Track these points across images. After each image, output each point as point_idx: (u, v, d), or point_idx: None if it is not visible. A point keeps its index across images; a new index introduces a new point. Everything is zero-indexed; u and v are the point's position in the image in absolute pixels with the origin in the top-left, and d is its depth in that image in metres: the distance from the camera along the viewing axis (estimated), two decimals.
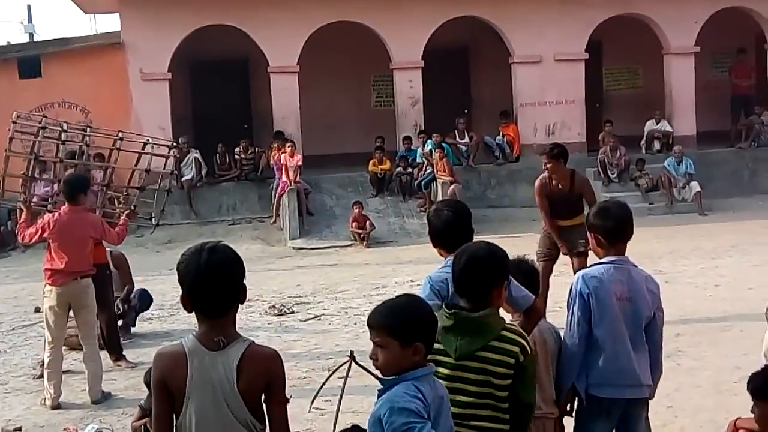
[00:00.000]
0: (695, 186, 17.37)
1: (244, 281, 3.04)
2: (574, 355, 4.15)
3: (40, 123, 9.09)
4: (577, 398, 4.24)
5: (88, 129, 9.60)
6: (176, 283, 9.87)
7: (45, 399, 7.23)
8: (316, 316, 10.07)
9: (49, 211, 8.01)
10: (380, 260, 13.93)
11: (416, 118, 18.63)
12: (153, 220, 9.55)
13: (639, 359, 4.16)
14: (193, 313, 3.04)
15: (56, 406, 7.16)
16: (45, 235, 7.41)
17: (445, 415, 3.01)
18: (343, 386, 6.40)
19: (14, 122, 8.85)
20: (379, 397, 3.02)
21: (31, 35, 33.32)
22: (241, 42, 18.02)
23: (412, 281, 11.49)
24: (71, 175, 8.08)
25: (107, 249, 8.81)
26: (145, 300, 9.63)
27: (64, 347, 7.68)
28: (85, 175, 8.49)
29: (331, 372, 6.93)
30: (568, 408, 4.29)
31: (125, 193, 9.42)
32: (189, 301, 3.00)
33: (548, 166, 8.72)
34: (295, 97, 18.10)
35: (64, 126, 9.30)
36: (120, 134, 9.52)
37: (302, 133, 18.10)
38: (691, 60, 19.40)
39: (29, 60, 17.76)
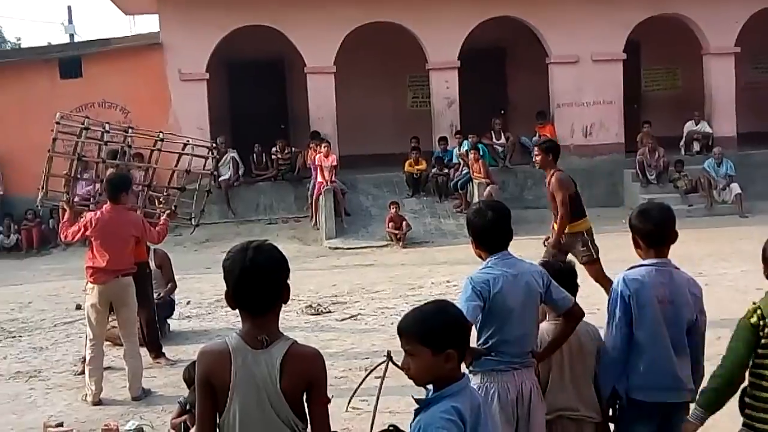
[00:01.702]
0: (735, 188, 17.16)
1: (288, 281, 3.05)
2: (615, 358, 4.12)
3: (82, 123, 9.19)
4: (618, 401, 4.21)
5: (130, 129, 9.67)
6: (214, 282, 10.04)
7: (86, 395, 7.34)
8: (353, 316, 10.10)
9: (91, 210, 8.10)
10: (416, 261, 13.93)
11: (452, 119, 18.61)
12: (193, 220, 9.61)
13: (681, 363, 4.12)
14: (233, 311, 3.05)
15: (97, 402, 7.26)
16: (87, 233, 7.51)
17: (483, 423, 2.97)
18: (380, 386, 6.40)
19: (58, 123, 8.94)
20: (415, 416, 2.97)
21: (71, 36, 33.76)
22: (277, 42, 18.13)
23: (448, 282, 11.49)
24: (114, 175, 8.17)
25: (152, 247, 8.92)
26: (168, 306, 9.64)
27: (105, 342, 7.78)
28: (127, 174, 8.58)
29: (368, 372, 6.95)
30: (610, 413, 4.25)
31: (165, 194, 9.50)
32: (233, 298, 3.01)
33: (537, 159, 8.68)
34: (331, 97, 18.17)
35: (107, 127, 9.40)
36: (161, 135, 9.60)
37: (338, 133, 18.17)
38: (731, 60, 19.17)
39: (70, 60, 18.03)
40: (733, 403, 4.71)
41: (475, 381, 3.90)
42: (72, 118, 10.19)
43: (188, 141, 10.23)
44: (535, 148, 8.82)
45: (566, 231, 8.60)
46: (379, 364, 6.68)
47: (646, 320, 4.07)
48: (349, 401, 6.63)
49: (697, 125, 19.08)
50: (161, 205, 9.04)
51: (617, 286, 4.13)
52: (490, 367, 3.96)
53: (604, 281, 8.53)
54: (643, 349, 4.08)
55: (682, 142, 19.07)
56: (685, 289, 4.15)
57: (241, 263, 2.96)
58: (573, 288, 4.33)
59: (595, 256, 8.68)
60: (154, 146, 9.66)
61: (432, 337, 2.91)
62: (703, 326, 4.25)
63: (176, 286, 9.79)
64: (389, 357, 6.43)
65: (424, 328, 2.93)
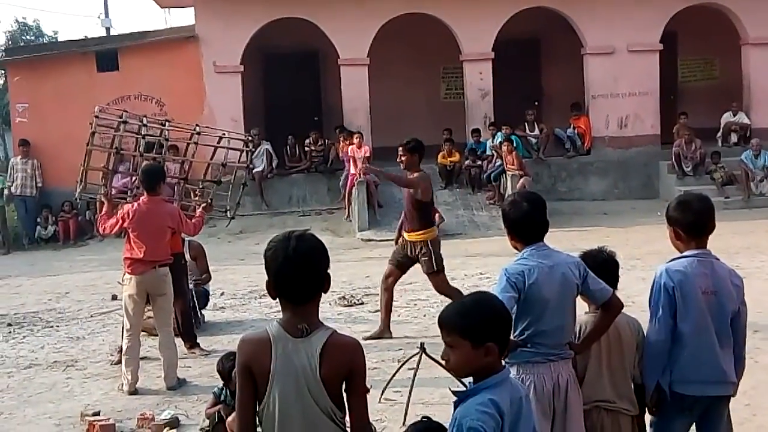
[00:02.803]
0: None
1: (329, 271, 3.07)
2: (660, 351, 4.06)
3: (120, 117, 9.26)
4: (661, 395, 4.16)
5: (167, 123, 9.72)
6: (248, 273, 10.11)
7: (122, 384, 7.42)
8: None
9: (128, 203, 8.17)
10: (449, 253, 13.75)
11: (486, 111, 18.53)
12: (228, 213, 9.66)
13: (725, 355, 4.08)
14: (270, 302, 3.08)
15: (133, 391, 7.33)
16: (125, 225, 7.58)
17: (525, 417, 2.95)
18: (414, 377, 6.43)
19: (96, 116, 9.00)
20: (455, 407, 2.96)
21: (107, 30, 33.97)
22: (311, 35, 18.16)
23: (481, 274, 11.47)
24: (149, 166, 8.23)
25: (186, 239, 8.99)
26: (202, 297, 9.70)
27: (141, 332, 7.86)
28: (161, 165, 8.64)
29: (401, 363, 6.97)
30: (653, 407, 4.20)
31: (201, 186, 9.55)
32: (275, 287, 3.03)
33: (402, 159, 8.43)
34: (364, 89, 18.17)
35: (144, 120, 9.47)
36: (197, 128, 9.65)
37: (372, 125, 18.17)
38: None
39: (107, 54, 18.20)
40: None
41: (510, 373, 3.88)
42: (110, 111, 10.28)
43: (224, 134, 10.27)
44: (400, 148, 8.59)
45: (411, 239, 8.47)
46: (413, 356, 6.73)
47: (690, 312, 4.02)
48: (383, 392, 6.66)
49: (734, 116, 18.82)
50: (197, 198, 9.09)
51: (660, 278, 4.08)
52: (526, 359, 3.94)
53: (449, 291, 8.38)
54: (687, 342, 4.03)
55: (719, 134, 18.83)
56: (728, 279, 4.12)
57: (284, 252, 2.98)
58: (615, 279, 4.29)
59: (436, 268, 8.45)
60: (190, 139, 9.72)
61: (472, 330, 2.90)
62: (745, 317, 4.21)
63: (211, 278, 9.86)
64: (422, 349, 6.48)
65: (465, 320, 2.92)
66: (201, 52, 17.96)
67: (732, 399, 4.37)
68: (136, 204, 7.72)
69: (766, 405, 6.20)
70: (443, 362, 3.04)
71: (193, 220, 8.13)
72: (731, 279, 4.14)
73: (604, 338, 4.15)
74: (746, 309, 4.19)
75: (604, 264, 4.27)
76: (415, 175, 8.41)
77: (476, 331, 2.90)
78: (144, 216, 7.53)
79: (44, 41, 36.06)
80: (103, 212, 7.89)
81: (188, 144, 9.72)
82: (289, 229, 3.13)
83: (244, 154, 10.00)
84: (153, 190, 7.65)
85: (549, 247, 4.08)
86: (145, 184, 7.75)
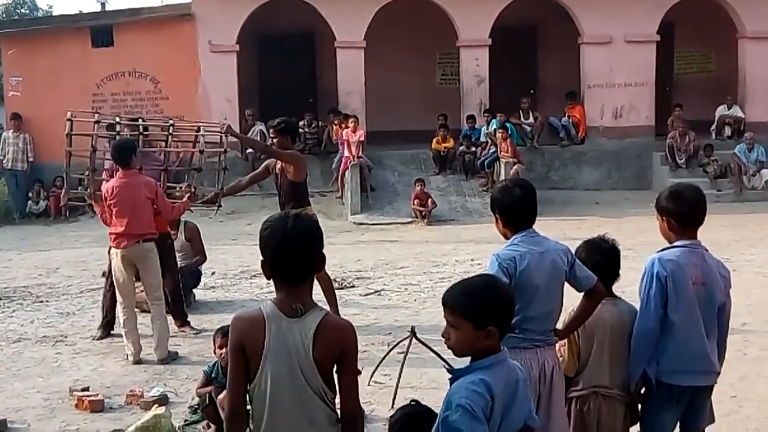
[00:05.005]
0: (766, 174, 17.00)
1: (323, 251, 3.09)
2: (649, 341, 4.06)
3: (93, 118, 9.23)
4: (645, 384, 4.18)
5: (141, 120, 9.66)
6: (239, 253, 10.10)
7: (127, 355, 7.54)
8: (376, 291, 10.12)
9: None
10: (441, 238, 13.92)
11: (481, 97, 18.50)
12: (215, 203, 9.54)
13: (712, 345, 4.09)
14: (260, 282, 3.09)
15: (138, 360, 7.45)
16: (108, 203, 7.61)
17: (520, 400, 2.96)
18: (403, 361, 6.45)
19: (70, 120, 8.86)
20: (450, 384, 2.99)
21: (102, 5, 33.77)
22: (308, 16, 18.08)
23: (472, 260, 11.49)
24: (119, 140, 8.20)
25: (182, 220, 9.01)
26: (194, 277, 9.69)
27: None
28: (131, 139, 8.55)
29: (391, 347, 6.99)
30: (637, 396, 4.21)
31: (188, 174, 9.46)
32: (270, 267, 3.03)
33: (274, 141, 8.37)
34: (360, 72, 18.11)
35: (117, 119, 9.51)
36: (171, 121, 9.53)
37: (366, 108, 18.13)
38: (767, 45, 18.87)
39: (102, 29, 18.05)
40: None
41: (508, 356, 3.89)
42: (84, 113, 10.21)
43: (199, 128, 10.08)
44: (271, 130, 8.46)
45: None
46: (402, 340, 6.75)
47: (681, 302, 4.03)
48: (372, 375, 6.68)
49: (729, 109, 18.84)
50: (181, 184, 9.08)
51: (652, 267, 4.08)
52: (513, 345, 3.90)
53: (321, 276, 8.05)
54: (676, 332, 4.04)
55: (713, 127, 18.86)
56: (716, 270, 4.13)
57: (282, 231, 2.99)
58: (612, 268, 4.31)
59: None
60: (168, 132, 9.61)
61: (476, 312, 2.92)
62: (729, 309, 4.22)
63: (206, 258, 9.83)
64: (413, 333, 6.50)
65: (469, 302, 2.94)
66: (197, 30, 17.85)
67: (719, 391, 4.41)
68: (113, 181, 7.71)
69: (752, 397, 6.25)
70: (444, 343, 3.04)
71: (175, 204, 8.12)
72: (719, 270, 4.15)
73: (609, 326, 4.17)
74: (731, 301, 4.20)
75: (609, 252, 4.29)
76: (294, 160, 8.32)
77: (479, 314, 2.92)
78: (122, 189, 7.54)
79: (39, 15, 35.83)
80: (99, 211, 8.00)
81: (167, 136, 9.63)
82: (278, 212, 3.14)
83: (224, 138, 9.83)
84: (127, 164, 7.63)
85: (538, 233, 4.09)
86: (118, 159, 7.71)
